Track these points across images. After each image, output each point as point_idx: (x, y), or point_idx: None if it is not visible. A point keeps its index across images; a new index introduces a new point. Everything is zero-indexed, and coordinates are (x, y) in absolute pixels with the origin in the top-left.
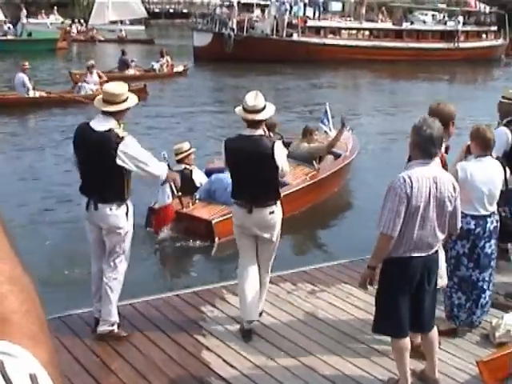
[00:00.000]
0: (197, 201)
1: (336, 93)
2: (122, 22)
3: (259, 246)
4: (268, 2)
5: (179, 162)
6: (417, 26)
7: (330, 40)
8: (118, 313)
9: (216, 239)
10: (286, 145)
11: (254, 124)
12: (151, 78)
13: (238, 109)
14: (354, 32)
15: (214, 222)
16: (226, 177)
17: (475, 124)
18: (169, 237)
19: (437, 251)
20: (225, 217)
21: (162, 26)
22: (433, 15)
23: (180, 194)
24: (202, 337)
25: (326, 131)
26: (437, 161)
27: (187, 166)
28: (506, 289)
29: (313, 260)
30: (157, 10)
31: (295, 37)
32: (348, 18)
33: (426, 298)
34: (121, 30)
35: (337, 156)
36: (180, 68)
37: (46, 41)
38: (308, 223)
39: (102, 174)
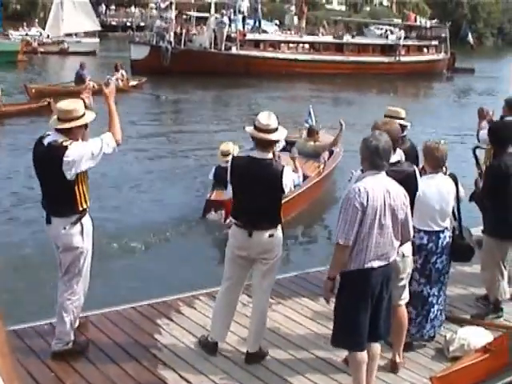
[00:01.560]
0: None
1: (276, 105)
2: (76, 34)
3: (255, 271)
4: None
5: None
6: (357, 40)
7: (270, 53)
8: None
9: None
10: (289, 144)
11: (265, 145)
12: None
13: (249, 128)
14: (293, 45)
15: None
16: None
17: (426, 141)
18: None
19: (393, 260)
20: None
21: (119, 39)
22: (390, 30)
23: None
24: (157, 351)
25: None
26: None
27: None
28: (460, 300)
29: None
30: (114, 23)
31: (234, 50)
32: (288, 32)
33: (384, 306)
34: (63, 42)
35: (330, 153)
36: (134, 82)
37: (6, 53)
38: None
39: (52, 188)
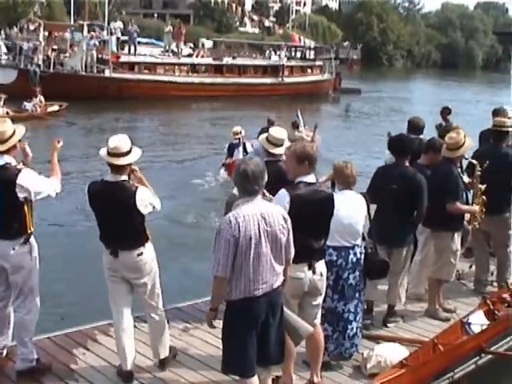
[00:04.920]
0: None
1: (153, 130)
2: None
3: (136, 292)
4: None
5: (236, 138)
6: (238, 61)
7: (145, 76)
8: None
9: None
10: None
11: (118, 169)
12: (24, 118)
13: (103, 152)
14: (170, 67)
15: None
16: None
17: (335, 162)
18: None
19: (280, 285)
20: None
21: None
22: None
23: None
24: (74, 381)
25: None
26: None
27: (241, 140)
28: (376, 318)
29: (188, 296)
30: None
31: (107, 73)
32: (166, 54)
33: (272, 332)
34: None
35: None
36: (55, 107)
37: None
38: (182, 255)
39: (3, 210)
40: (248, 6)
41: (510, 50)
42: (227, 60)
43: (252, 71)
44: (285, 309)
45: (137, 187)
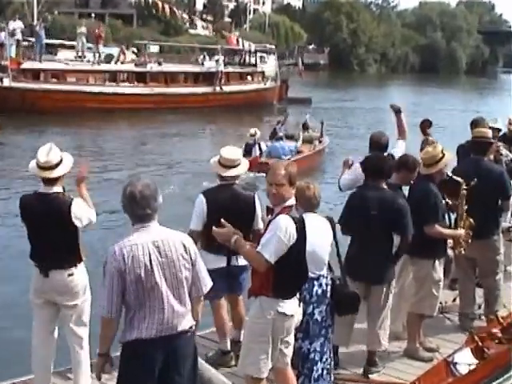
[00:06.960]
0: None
1: (68, 148)
2: None
3: (63, 317)
4: None
5: (252, 139)
6: (165, 68)
7: (53, 85)
8: None
9: None
10: (290, 137)
11: (50, 181)
12: None
13: (32, 165)
14: (84, 76)
15: None
16: (278, 145)
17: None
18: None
19: (188, 330)
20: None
21: None
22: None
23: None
24: None
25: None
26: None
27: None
28: (347, 360)
29: None
30: None
31: (6, 82)
32: (82, 59)
33: (180, 382)
34: None
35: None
36: None
37: None
38: None
39: None
40: (199, 6)
41: (498, 51)
42: (151, 66)
43: (182, 79)
44: (201, 361)
45: (72, 199)
